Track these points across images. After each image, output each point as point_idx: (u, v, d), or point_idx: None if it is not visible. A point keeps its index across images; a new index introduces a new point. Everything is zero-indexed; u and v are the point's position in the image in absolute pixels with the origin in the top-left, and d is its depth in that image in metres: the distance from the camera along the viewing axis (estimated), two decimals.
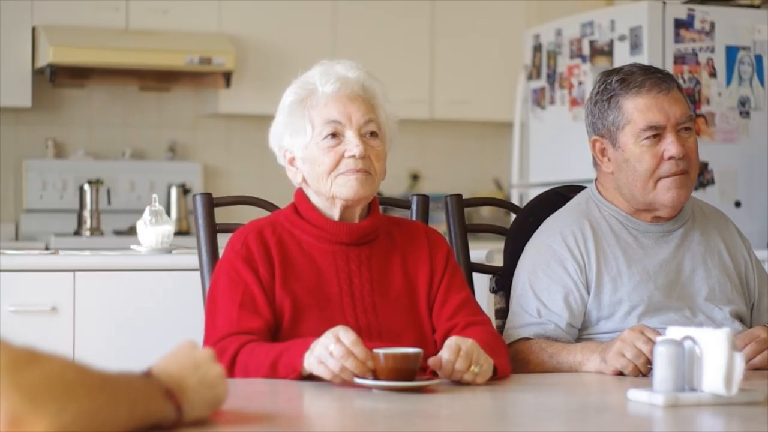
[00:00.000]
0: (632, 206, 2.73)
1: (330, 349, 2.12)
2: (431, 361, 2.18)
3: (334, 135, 2.43)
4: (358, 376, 2.10)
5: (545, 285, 2.66)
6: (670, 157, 2.64)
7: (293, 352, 2.22)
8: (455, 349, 2.18)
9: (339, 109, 2.44)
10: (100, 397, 1.40)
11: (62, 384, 1.36)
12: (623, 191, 2.72)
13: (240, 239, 2.45)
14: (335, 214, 2.48)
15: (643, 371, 2.33)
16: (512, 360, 2.50)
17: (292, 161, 2.51)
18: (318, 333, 2.33)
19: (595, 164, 2.78)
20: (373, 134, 2.46)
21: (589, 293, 2.65)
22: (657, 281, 2.67)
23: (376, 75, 2.53)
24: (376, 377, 2.10)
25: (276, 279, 2.41)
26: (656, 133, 2.65)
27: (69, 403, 1.35)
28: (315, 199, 2.50)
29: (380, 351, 2.11)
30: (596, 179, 2.81)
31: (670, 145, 2.64)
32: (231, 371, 2.27)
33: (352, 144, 2.42)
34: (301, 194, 2.52)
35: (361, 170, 2.42)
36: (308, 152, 2.46)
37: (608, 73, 2.73)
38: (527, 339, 2.61)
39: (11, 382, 1.31)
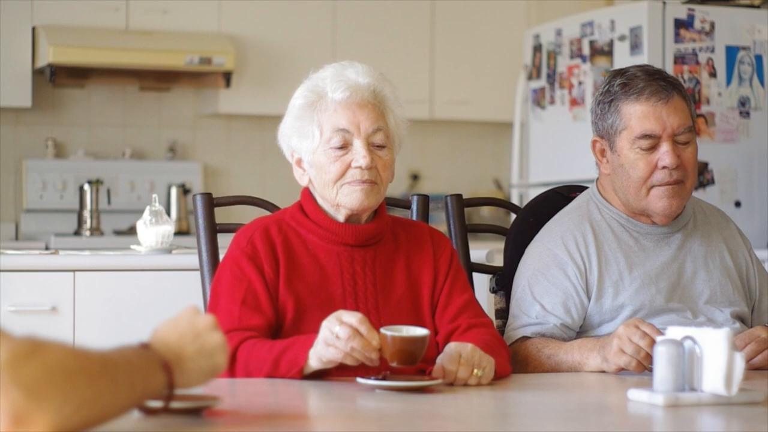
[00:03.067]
0: (629, 209, 2.72)
1: (335, 332, 2.13)
2: (434, 371, 2.18)
3: (341, 143, 2.43)
4: (366, 362, 2.12)
5: (545, 288, 2.65)
6: (664, 167, 2.63)
7: (297, 349, 2.22)
8: (456, 357, 2.18)
9: (348, 117, 2.43)
10: (100, 384, 1.41)
11: (63, 374, 1.36)
12: (619, 194, 2.72)
13: (246, 236, 2.46)
14: (340, 218, 2.48)
15: (645, 365, 2.33)
16: (512, 361, 2.50)
17: (299, 162, 2.50)
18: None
19: (596, 162, 2.78)
20: (381, 143, 2.45)
21: (589, 298, 2.65)
22: (658, 284, 2.66)
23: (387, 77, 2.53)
24: (383, 358, 2.12)
25: (280, 278, 2.41)
26: (652, 141, 2.64)
27: (70, 394, 1.35)
28: (321, 201, 2.50)
29: (388, 332, 2.12)
30: (597, 179, 2.80)
31: (664, 155, 2.63)
32: (231, 368, 2.28)
33: (359, 155, 2.41)
34: (307, 194, 2.51)
35: (367, 181, 2.42)
36: (315, 157, 2.45)
37: (614, 74, 2.72)
38: (526, 339, 2.61)
39: (13, 379, 1.31)
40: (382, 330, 2.13)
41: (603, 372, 2.42)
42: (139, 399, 1.50)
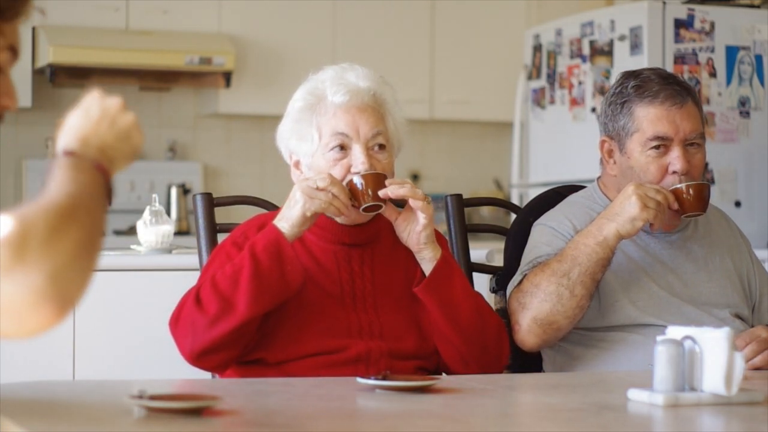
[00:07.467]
0: None
1: (315, 184, 2.30)
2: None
3: (341, 147, 2.42)
4: (342, 209, 2.33)
5: (547, 254, 2.63)
6: (674, 172, 2.62)
7: (262, 236, 2.32)
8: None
9: (347, 121, 2.42)
10: (77, 223, 1.43)
11: (37, 245, 1.38)
12: None
13: (241, 230, 2.47)
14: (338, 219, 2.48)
15: (663, 218, 2.55)
16: (523, 297, 2.54)
17: (297, 165, 2.50)
18: (318, 332, 2.33)
19: (602, 162, 2.77)
20: (380, 147, 2.45)
21: None
22: (658, 282, 2.65)
23: (386, 78, 2.52)
24: (357, 203, 2.36)
25: None
26: (663, 145, 2.63)
27: (55, 256, 1.40)
28: None
29: (355, 177, 2.37)
30: (599, 177, 2.79)
31: (675, 159, 2.62)
32: (199, 309, 2.30)
33: (358, 160, 2.41)
34: None
35: None
36: (314, 161, 2.45)
37: (627, 76, 2.71)
38: (524, 278, 2.61)
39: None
40: (353, 178, 2.36)
41: (626, 235, 2.54)
42: (102, 211, 1.50)
